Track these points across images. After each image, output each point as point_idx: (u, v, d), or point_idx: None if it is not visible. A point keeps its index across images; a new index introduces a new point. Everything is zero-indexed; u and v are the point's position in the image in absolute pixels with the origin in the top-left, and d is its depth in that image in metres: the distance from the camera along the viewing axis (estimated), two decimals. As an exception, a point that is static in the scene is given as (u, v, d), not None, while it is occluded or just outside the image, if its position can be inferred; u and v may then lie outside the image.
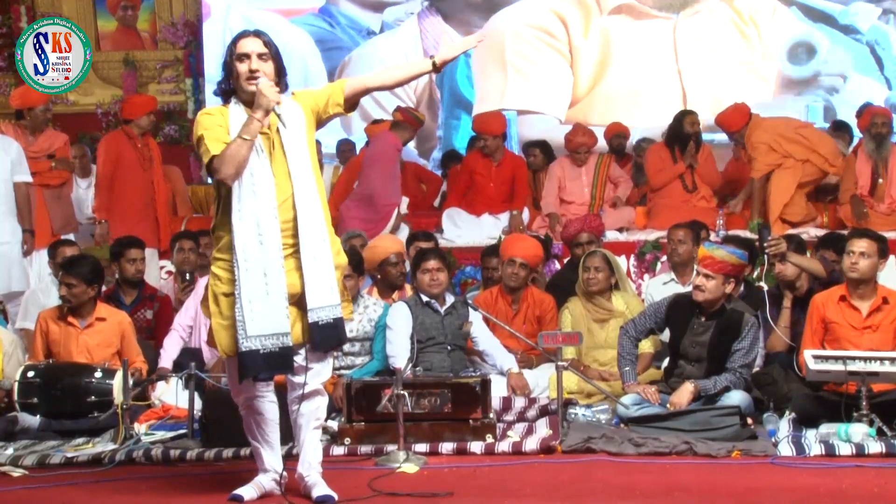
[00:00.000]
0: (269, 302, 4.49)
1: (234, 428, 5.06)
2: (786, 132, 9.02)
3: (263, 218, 4.49)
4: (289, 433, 5.48)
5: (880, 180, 8.84)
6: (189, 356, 6.45)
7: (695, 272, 6.14)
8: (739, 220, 8.99)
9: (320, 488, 4.69)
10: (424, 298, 6.58)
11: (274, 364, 4.54)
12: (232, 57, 4.58)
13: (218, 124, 4.54)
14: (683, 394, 5.85)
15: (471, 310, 6.63)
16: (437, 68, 4.65)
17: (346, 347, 6.72)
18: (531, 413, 6.12)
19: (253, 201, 4.49)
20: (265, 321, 4.49)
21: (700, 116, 9.45)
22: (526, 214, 9.35)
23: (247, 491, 4.73)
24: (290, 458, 5.39)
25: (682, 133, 9.30)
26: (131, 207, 8.66)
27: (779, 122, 9.27)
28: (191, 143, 11.56)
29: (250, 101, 4.53)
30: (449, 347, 6.55)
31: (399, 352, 6.35)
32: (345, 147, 10.95)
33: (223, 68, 4.63)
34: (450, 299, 6.70)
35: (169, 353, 6.84)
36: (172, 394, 6.33)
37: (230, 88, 4.62)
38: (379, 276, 7.27)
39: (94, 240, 8.71)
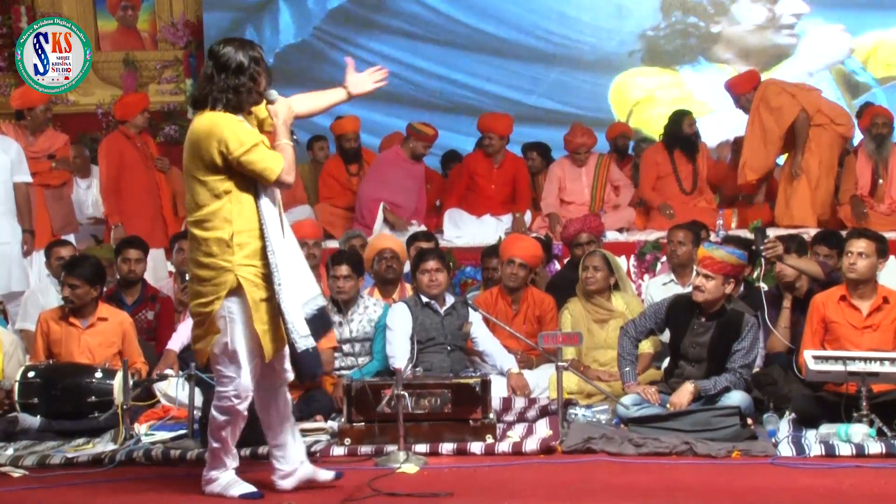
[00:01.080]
0: (303, 299, 4.70)
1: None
2: (796, 86, 9.16)
3: (281, 221, 4.69)
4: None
5: (880, 181, 8.84)
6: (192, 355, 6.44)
7: (694, 273, 6.14)
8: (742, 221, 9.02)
9: (325, 472, 4.85)
10: (424, 299, 6.59)
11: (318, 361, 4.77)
12: (260, 66, 4.65)
13: (252, 131, 4.67)
14: (683, 394, 5.85)
15: (471, 310, 6.64)
16: (351, 97, 4.87)
17: (346, 348, 6.73)
18: (531, 413, 6.13)
19: (273, 206, 4.67)
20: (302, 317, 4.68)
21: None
22: (528, 216, 9.36)
23: (248, 486, 4.80)
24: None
25: (682, 134, 9.32)
26: (143, 207, 8.66)
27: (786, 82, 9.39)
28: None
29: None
30: (449, 348, 6.56)
31: (399, 352, 6.36)
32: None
33: (250, 77, 4.62)
34: (450, 300, 6.71)
35: (181, 336, 6.80)
36: (173, 388, 6.31)
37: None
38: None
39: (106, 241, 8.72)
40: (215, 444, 4.78)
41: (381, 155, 9.48)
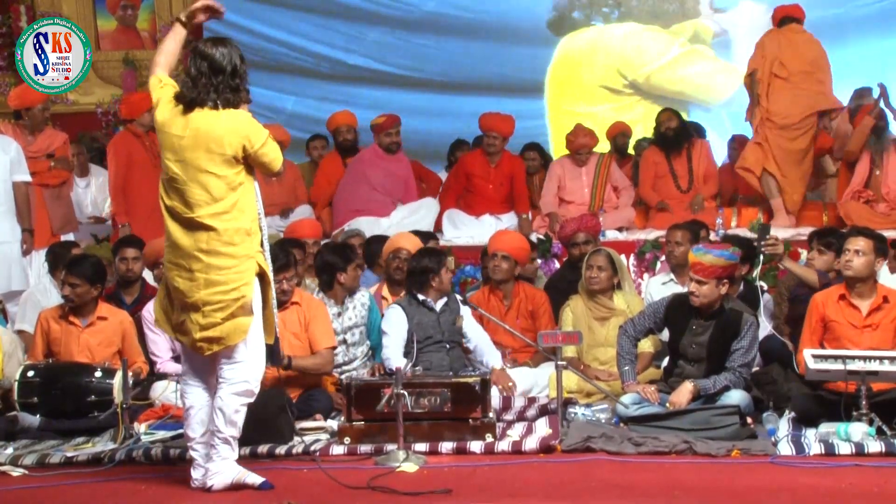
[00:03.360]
0: None
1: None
2: (785, 49, 8.98)
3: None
4: (273, 433, 5.56)
5: (877, 171, 8.84)
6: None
7: (689, 278, 6.13)
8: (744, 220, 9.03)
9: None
10: (420, 297, 6.59)
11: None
12: (245, 64, 4.88)
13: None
14: (683, 393, 5.85)
15: (461, 305, 6.65)
16: (185, 25, 4.97)
17: (348, 337, 6.74)
18: (531, 412, 6.13)
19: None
20: None
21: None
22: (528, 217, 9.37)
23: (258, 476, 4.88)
24: (290, 458, 5.43)
25: (661, 133, 9.40)
26: (150, 206, 8.59)
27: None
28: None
29: None
30: (448, 346, 6.56)
31: (394, 355, 6.36)
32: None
33: (241, 77, 4.83)
34: (443, 299, 6.70)
35: (163, 351, 6.81)
36: (173, 394, 6.32)
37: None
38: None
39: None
40: (232, 433, 4.85)
41: (358, 155, 9.46)
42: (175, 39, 4.98)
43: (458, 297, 6.80)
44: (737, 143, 9.82)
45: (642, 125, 10.36)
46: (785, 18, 9.04)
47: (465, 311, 6.66)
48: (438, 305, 6.62)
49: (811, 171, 9.18)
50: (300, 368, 6.16)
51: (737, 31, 11.64)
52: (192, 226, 4.78)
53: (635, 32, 11.82)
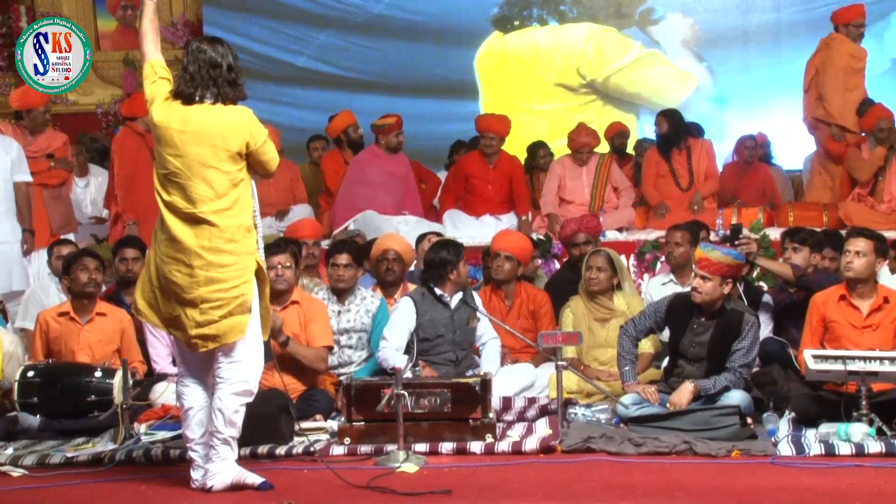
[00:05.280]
0: None
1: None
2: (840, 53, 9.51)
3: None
4: (273, 433, 5.55)
5: (879, 178, 8.85)
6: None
7: (693, 274, 6.14)
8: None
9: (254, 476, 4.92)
10: (438, 291, 6.55)
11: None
12: (238, 61, 4.90)
13: None
14: (683, 393, 5.85)
15: (477, 306, 6.65)
16: None
17: (344, 340, 6.72)
18: (531, 413, 6.12)
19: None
20: None
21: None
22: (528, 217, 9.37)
23: (257, 476, 4.87)
24: (290, 458, 5.43)
25: (657, 134, 9.48)
26: (152, 205, 8.58)
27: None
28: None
29: None
30: (458, 357, 6.52)
31: (389, 356, 6.34)
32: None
33: (237, 73, 4.86)
34: (458, 294, 6.65)
35: (161, 351, 6.80)
36: (172, 394, 6.32)
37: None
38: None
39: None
40: (231, 433, 4.84)
41: (357, 156, 9.45)
42: (149, 18, 4.95)
43: (475, 293, 6.76)
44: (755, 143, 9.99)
45: (596, 125, 10.40)
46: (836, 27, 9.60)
47: (481, 314, 6.61)
48: (454, 301, 6.56)
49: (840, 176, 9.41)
50: (295, 353, 6.11)
51: (667, 44, 11.74)
52: (194, 221, 4.77)
53: (596, 33, 11.84)
